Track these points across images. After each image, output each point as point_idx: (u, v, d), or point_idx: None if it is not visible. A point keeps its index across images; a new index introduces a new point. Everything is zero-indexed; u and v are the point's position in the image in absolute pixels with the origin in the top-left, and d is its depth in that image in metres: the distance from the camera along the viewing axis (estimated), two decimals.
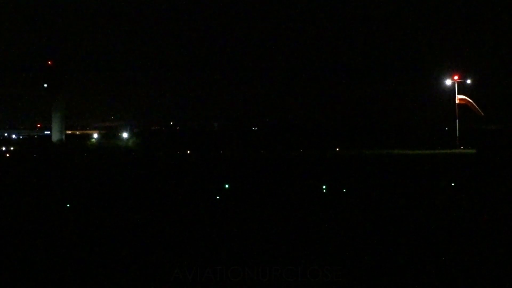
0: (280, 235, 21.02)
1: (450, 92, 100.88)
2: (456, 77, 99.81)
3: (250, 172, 50.02)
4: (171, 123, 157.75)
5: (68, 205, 29.06)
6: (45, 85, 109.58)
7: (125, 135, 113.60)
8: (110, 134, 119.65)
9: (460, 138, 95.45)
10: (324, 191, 34.06)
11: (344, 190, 33.79)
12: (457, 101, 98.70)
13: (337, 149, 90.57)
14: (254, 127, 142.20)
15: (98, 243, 20.13)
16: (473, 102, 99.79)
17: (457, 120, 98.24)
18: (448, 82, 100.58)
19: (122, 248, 19.37)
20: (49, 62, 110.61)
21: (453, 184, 36.53)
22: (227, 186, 36.38)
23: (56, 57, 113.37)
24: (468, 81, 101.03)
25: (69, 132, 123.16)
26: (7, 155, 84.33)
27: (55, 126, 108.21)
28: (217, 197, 31.39)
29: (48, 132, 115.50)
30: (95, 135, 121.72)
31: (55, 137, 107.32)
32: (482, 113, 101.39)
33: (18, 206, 29.19)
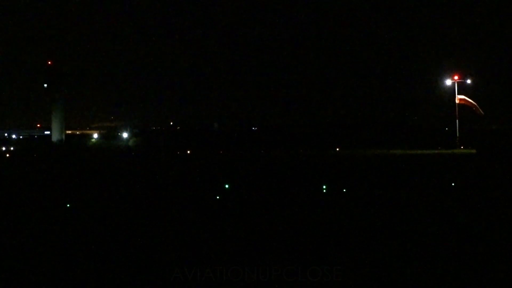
0: (280, 235, 21.02)
1: (450, 92, 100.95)
2: (456, 77, 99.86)
3: (250, 172, 50.03)
4: (171, 123, 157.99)
5: (68, 205, 29.06)
6: (45, 85, 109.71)
7: (125, 135, 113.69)
8: (110, 134, 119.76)
9: (460, 138, 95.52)
10: (324, 191, 34.06)
11: (344, 190, 33.79)
12: (457, 101, 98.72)
13: (337, 149, 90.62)
14: (254, 127, 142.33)
15: (98, 243, 20.13)
16: (473, 102, 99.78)
17: (457, 120, 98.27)
18: (448, 82, 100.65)
19: (122, 248, 19.37)
20: (49, 62, 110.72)
21: (453, 184, 36.54)
22: (227, 186, 36.39)
23: (56, 57, 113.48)
24: (468, 81, 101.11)
25: (69, 132, 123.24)
26: (7, 155, 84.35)
27: (55, 126, 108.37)
28: (217, 197, 31.39)
29: (48, 132, 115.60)
30: (95, 135, 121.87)
31: (55, 137, 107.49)
32: (482, 113, 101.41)
33: (18, 206, 29.18)
